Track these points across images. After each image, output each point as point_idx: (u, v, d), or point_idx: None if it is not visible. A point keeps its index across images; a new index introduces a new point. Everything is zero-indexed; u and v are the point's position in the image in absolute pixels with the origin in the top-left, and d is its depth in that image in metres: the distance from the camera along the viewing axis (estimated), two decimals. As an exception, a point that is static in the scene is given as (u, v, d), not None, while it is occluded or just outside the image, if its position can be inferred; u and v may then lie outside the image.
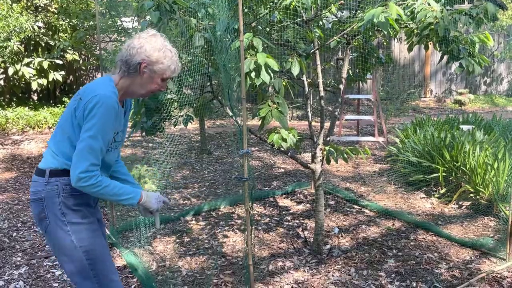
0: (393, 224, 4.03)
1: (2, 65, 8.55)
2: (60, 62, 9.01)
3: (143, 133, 3.27)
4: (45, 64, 8.63)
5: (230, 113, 2.87)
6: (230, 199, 4.67)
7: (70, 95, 9.83)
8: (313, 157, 3.45)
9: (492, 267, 3.22)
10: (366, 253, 3.46)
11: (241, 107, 2.47)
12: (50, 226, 1.89)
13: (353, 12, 3.50)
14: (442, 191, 4.71)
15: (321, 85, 3.45)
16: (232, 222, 4.13)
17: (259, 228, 3.99)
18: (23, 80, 8.96)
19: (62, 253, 1.92)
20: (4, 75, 9.23)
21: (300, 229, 3.96)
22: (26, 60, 8.64)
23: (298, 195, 4.91)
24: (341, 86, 3.56)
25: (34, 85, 8.72)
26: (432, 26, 2.84)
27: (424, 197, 4.75)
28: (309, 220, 4.15)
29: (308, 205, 4.58)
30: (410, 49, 3.26)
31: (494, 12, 2.92)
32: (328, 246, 3.59)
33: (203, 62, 3.20)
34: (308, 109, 3.67)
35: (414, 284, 3.00)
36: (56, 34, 9.15)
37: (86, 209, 1.95)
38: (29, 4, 8.76)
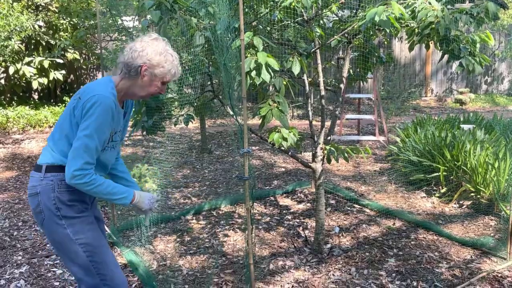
0: (394, 224, 4.03)
1: (3, 64, 8.56)
2: (61, 61, 9.01)
3: (144, 132, 3.27)
4: (46, 63, 8.64)
5: (231, 112, 2.87)
6: (231, 198, 4.68)
7: (71, 94, 9.83)
8: (314, 156, 3.45)
9: (492, 266, 3.21)
10: (367, 252, 3.46)
11: (242, 106, 2.47)
12: (45, 220, 1.94)
13: (354, 11, 3.50)
14: (442, 191, 4.71)
15: (321, 84, 3.45)
16: (233, 221, 4.14)
17: (260, 227, 3.99)
18: (23, 79, 8.97)
19: (60, 247, 1.96)
20: (5, 74, 9.24)
21: (301, 228, 3.96)
22: (27, 59, 8.64)
23: (299, 194, 4.91)
24: (342, 85, 3.55)
25: (34, 84, 8.72)
26: (433, 25, 2.83)
27: (425, 197, 4.75)
28: (310, 219, 4.15)
29: (308, 204, 4.58)
30: (411, 48, 3.26)
31: (495, 11, 2.92)
32: (328, 245, 3.59)
33: (204, 61, 3.20)
34: (309, 108, 3.67)
35: (415, 284, 3.00)
36: (57, 33, 9.15)
37: (81, 205, 1.99)
38: (29, 3, 8.76)
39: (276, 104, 2.83)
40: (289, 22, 3.35)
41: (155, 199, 2.14)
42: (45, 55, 8.81)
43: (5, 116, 8.49)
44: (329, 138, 3.51)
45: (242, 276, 3.13)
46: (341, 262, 3.32)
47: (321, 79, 3.45)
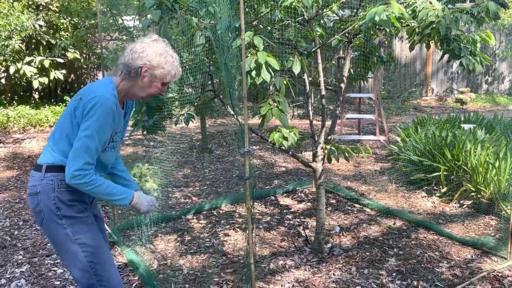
0: (394, 223, 4.04)
1: (4, 63, 8.56)
2: (61, 60, 9.02)
3: (145, 132, 3.27)
4: (46, 63, 8.64)
5: (232, 112, 2.87)
6: (231, 197, 4.68)
7: (72, 93, 9.84)
8: (314, 155, 3.45)
9: (493, 266, 3.22)
10: (367, 252, 3.46)
11: (243, 105, 2.48)
12: (45, 220, 1.95)
13: (355, 10, 3.50)
14: (443, 190, 4.70)
15: (322, 84, 3.45)
16: (233, 221, 4.14)
17: (260, 226, 3.99)
18: (24, 78, 8.97)
19: (59, 246, 1.97)
20: (5, 74, 9.24)
21: (301, 227, 3.96)
22: (28, 58, 8.65)
23: (299, 194, 4.91)
24: (343, 85, 3.55)
25: (35, 84, 8.73)
26: (434, 25, 2.84)
27: (425, 196, 4.75)
28: (310, 218, 4.15)
29: (309, 203, 4.58)
30: (411, 48, 3.26)
31: (496, 10, 2.92)
32: (329, 245, 3.60)
33: (204, 60, 3.20)
34: (309, 108, 3.67)
35: (415, 283, 3.00)
36: (57, 32, 9.15)
37: (81, 205, 1.99)
38: (30, 2, 8.77)
39: (276, 104, 2.83)
40: (290, 21, 3.35)
41: (153, 202, 2.14)
42: (45, 55, 8.81)
43: (6, 116, 8.50)
44: (329, 137, 3.51)
45: (242, 275, 3.13)
46: (341, 262, 3.32)
47: (321, 79, 3.45)
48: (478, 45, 3.11)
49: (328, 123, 3.59)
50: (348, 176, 5.59)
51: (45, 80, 8.79)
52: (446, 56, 3.14)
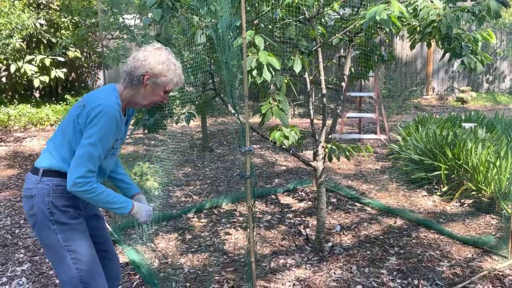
0: (395, 222, 4.04)
1: (4, 62, 8.57)
2: (62, 59, 9.02)
3: (145, 131, 3.27)
4: (47, 61, 8.64)
5: (232, 111, 2.87)
6: (232, 196, 4.68)
7: (72, 92, 9.84)
8: (315, 154, 3.45)
9: (493, 265, 3.22)
10: (368, 251, 3.46)
11: (243, 104, 2.47)
12: (37, 223, 1.95)
13: (356, 9, 3.50)
14: (444, 189, 4.70)
15: (323, 83, 3.45)
16: (234, 220, 4.14)
17: (261, 225, 4.00)
18: (25, 77, 8.98)
19: (49, 250, 1.97)
20: (6, 72, 9.25)
21: (302, 226, 3.96)
22: (28, 57, 8.65)
23: (300, 193, 4.91)
24: (343, 84, 3.55)
25: (36, 82, 8.73)
26: (435, 24, 2.83)
27: (426, 195, 4.75)
28: (311, 217, 4.15)
29: (309, 202, 4.58)
30: (412, 47, 3.26)
31: (497, 9, 2.91)
32: (329, 244, 3.60)
33: (205, 59, 3.20)
34: (310, 107, 3.67)
35: (416, 282, 3.00)
36: (58, 31, 9.15)
37: (74, 211, 1.99)
38: (31, 1, 8.76)
39: (276, 103, 2.83)
40: (291, 20, 3.34)
41: (152, 211, 2.15)
42: (46, 53, 8.82)
43: (7, 114, 8.51)
44: (330, 136, 3.51)
45: (243, 274, 3.13)
46: (342, 261, 3.32)
47: (322, 78, 3.44)
48: (479, 44, 3.10)
49: (329, 122, 3.59)
50: (349, 175, 5.59)
51: (46, 78, 8.79)
52: (448, 55, 3.14)
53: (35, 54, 8.76)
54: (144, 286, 3.01)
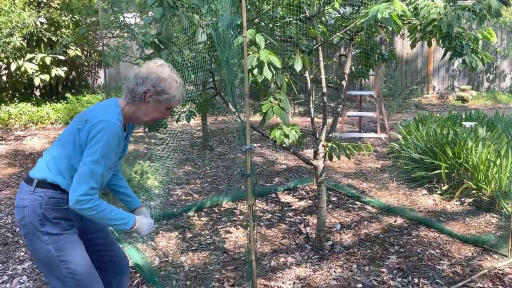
0: (395, 221, 4.04)
1: (5, 60, 8.57)
2: (63, 58, 9.02)
3: (146, 129, 3.27)
4: (48, 60, 8.65)
5: (233, 109, 2.87)
6: (232, 195, 4.69)
7: (73, 90, 9.85)
8: (315, 153, 3.45)
9: (494, 263, 3.22)
10: (368, 249, 3.47)
11: (244, 103, 2.48)
12: (29, 234, 1.93)
13: (356, 8, 3.50)
14: (444, 188, 4.71)
15: (323, 81, 3.45)
16: (234, 218, 4.15)
17: (261, 224, 4.00)
18: (25, 75, 8.98)
19: (41, 261, 1.95)
20: (6, 71, 9.25)
21: (302, 225, 3.97)
22: (29, 55, 8.65)
23: (300, 191, 4.92)
24: (344, 83, 3.55)
25: (36, 81, 8.73)
26: (436, 22, 2.83)
27: (426, 194, 4.75)
28: (311, 216, 4.16)
29: (310, 201, 4.59)
30: (413, 46, 3.25)
31: (498, 8, 2.91)
32: (330, 242, 3.60)
33: (206, 58, 3.20)
34: (311, 105, 3.67)
35: (416, 280, 3.01)
36: (59, 30, 9.15)
37: (66, 223, 1.96)
38: (31, -1, 8.77)
39: (277, 102, 2.83)
40: (292, 19, 3.34)
41: (153, 225, 2.14)
42: (47, 52, 8.82)
43: (7, 113, 8.51)
44: (330, 135, 3.51)
45: (243, 272, 3.14)
46: (342, 259, 3.33)
47: (323, 76, 3.45)
48: (480, 42, 3.10)
49: (329, 120, 3.59)
50: (349, 173, 5.59)
51: (46, 77, 8.79)
52: (448, 54, 3.14)
53: (35, 52, 8.76)
54: (145, 285, 3.02)
